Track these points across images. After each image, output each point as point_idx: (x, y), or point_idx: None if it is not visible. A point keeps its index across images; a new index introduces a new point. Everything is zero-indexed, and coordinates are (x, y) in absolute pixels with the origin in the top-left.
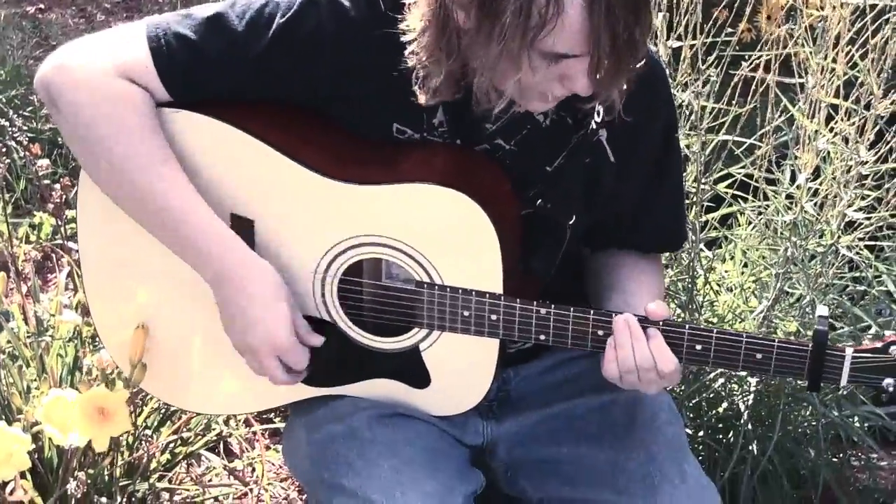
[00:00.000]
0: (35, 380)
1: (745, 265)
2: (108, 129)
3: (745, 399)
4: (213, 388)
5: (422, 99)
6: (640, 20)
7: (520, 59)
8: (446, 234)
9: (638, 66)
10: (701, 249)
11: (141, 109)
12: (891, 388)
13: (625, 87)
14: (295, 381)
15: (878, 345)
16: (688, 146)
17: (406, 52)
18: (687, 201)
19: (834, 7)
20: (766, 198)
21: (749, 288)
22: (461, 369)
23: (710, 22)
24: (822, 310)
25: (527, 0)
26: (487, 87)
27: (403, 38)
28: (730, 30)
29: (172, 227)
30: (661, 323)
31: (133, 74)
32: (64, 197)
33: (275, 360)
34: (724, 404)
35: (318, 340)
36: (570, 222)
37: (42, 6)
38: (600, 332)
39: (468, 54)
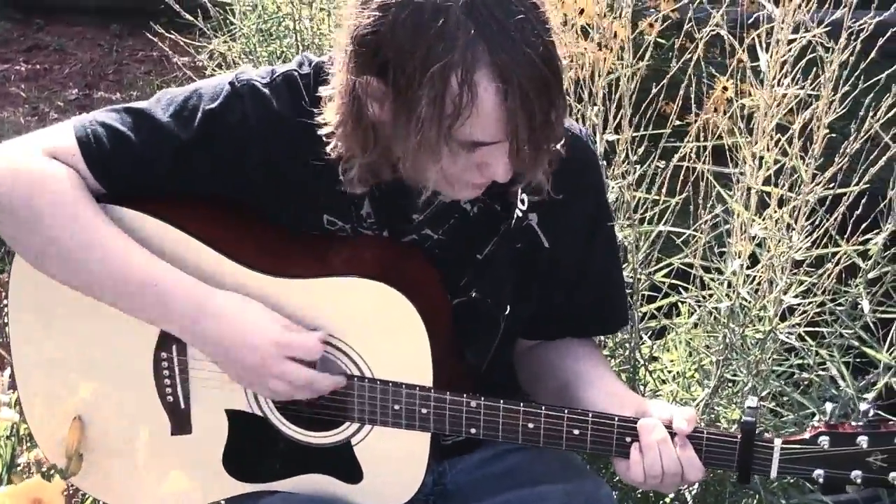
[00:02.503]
0: None
1: (690, 354)
2: (43, 203)
3: (690, 489)
4: (148, 486)
5: (347, 188)
6: (554, 103)
7: (438, 149)
8: (375, 327)
9: (556, 146)
10: (642, 339)
11: (72, 181)
12: (821, 479)
13: (548, 167)
14: (324, 381)
15: (807, 436)
16: (625, 237)
17: (328, 147)
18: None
19: (764, 99)
20: (706, 287)
21: (692, 376)
22: (394, 464)
23: (653, 109)
24: (751, 401)
25: (441, 90)
26: (411, 175)
27: (320, 132)
28: (674, 125)
29: (127, 287)
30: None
31: (61, 159)
32: (3, 293)
33: (289, 363)
34: (671, 494)
35: (318, 333)
36: (505, 313)
37: None
38: (531, 425)
39: (387, 145)
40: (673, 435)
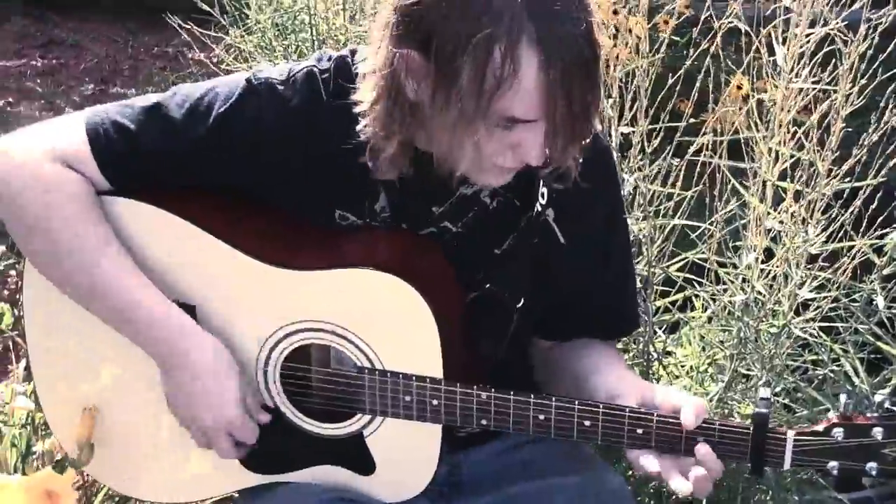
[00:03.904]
0: None
1: (703, 349)
2: (47, 214)
3: None
4: (162, 475)
5: (374, 174)
6: (593, 86)
7: (476, 124)
8: (385, 319)
9: (590, 136)
10: (656, 333)
11: (78, 194)
12: (835, 472)
13: (578, 156)
14: (241, 455)
15: (820, 427)
16: (639, 230)
17: (358, 127)
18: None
19: (782, 92)
20: (720, 281)
21: (705, 371)
22: (406, 455)
23: (659, 107)
24: (763, 392)
25: (483, 62)
26: (446, 153)
27: (355, 110)
28: (690, 121)
29: (118, 309)
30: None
31: (71, 161)
32: (20, 283)
33: (225, 435)
34: None
35: (265, 418)
36: (518, 305)
37: (11, 100)
38: (541, 417)
39: (421, 125)
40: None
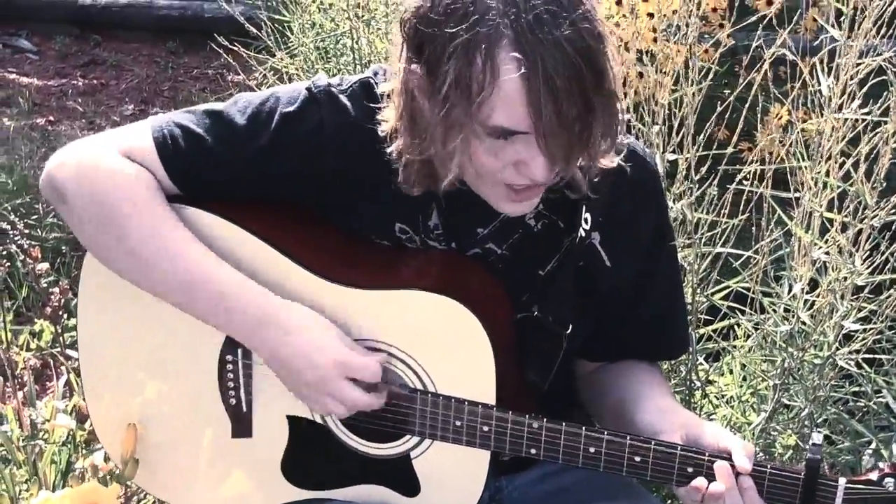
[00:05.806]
0: (26, 482)
1: (745, 378)
2: (116, 201)
3: None
4: (206, 487)
5: (403, 188)
6: (588, 100)
7: (465, 132)
8: (440, 341)
9: (598, 154)
10: (699, 362)
11: (146, 181)
12: None
13: (585, 167)
14: (379, 403)
15: (873, 477)
16: (684, 258)
17: (389, 149)
18: None
19: (830, 123)
20: (763, 311)
21: (747, 401)
22: (451, 479)
23: (705, 135)
24: (816, 437)
25: (465, 67)
26: (441, 166)
27: (379, 129)
28: (733, 149)
29: (195, 290)
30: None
31: (137, 159)
32: (62, 300)
33: (347, 382)
34: None
35: (379, 356)
36: (567, 331)
37: (52, 118)
38: (592, 450)
39: (426, 137)
40: (737, 475)
